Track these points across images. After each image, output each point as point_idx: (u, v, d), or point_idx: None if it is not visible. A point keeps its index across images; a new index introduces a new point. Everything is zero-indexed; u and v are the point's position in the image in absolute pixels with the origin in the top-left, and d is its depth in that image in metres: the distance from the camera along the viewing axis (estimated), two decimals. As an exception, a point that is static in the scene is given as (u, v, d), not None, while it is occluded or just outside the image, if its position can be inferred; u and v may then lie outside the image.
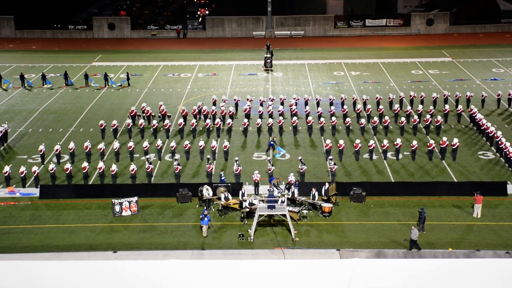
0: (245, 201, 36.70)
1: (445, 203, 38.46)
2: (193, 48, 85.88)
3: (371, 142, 45.02)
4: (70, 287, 24.10)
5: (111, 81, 65.11)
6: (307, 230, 35.19)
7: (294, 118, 50.72)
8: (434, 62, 74.49)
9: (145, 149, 44.85)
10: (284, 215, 34.57)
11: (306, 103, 54.85)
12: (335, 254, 32.64)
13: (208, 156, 43.26)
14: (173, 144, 45.37)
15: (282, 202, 35.72)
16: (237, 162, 41.18)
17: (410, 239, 32.81)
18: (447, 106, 52.65)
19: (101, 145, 45.07)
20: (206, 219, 34.13)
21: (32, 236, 34.98)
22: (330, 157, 42.71)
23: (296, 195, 37.51)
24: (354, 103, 55.10)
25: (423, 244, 33.38)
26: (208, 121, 49.87)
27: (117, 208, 37.08)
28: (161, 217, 37.05)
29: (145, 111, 52.82)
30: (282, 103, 54.48)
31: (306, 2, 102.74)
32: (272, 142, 46.48)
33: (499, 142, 45.04)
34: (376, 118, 49.81)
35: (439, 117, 49.60)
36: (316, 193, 37.52)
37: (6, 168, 41.06)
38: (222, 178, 40.03)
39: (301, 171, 40.92)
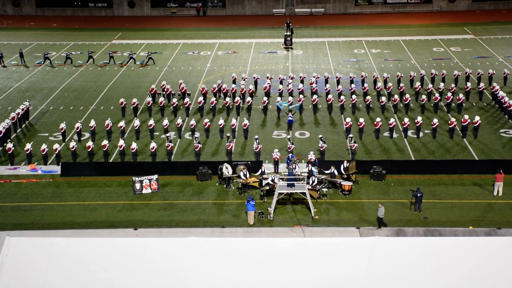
0: (266, 179, 36.75)
1: (466, 181, 38.21)
2: (213, 26, 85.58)
3: (392, 120, 44.70)
4: (91, 264, 24.36)
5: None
6: (327, 208, 35.20)
7: (314, 96, 50.46)
8: (456, 39, 73.57)
9: (165, 127, 44.92)
10: (304, 193, 34.56)
11: (326, 81, 54.55)
12: (355, 232, 32.66)
13: (228, 134, 43.28)
14: (193, 122, 45.40)
15: (313, 181, 35.77)
16: (257, 140, 41.17)
17: (377, 217, 32.93)
18: (468, 84, 52.08)
19: (122, 123, 45.29)
20: (252, 205, 33.38)
21: (54, 213, 35.39)
22: (350, 135, 42.53)
23: (314, 173, 37.44)
24: (375, 81, 54.64)
25: (444, 222, 33.29)
26: (227, 99, 49.81)
27: (138, 186, 37.33)
28: (181, 195, 37.24)
29: (165, 89, 52.88)
30: (302, 81, 54.25)
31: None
32: (290, 118, 46.33)
33: (522, 120, 44.61)
34: (396, 96, 49.44)
35: (460, 95, 49.06)
36: (335, 171, 37.45)
37: (28, 146, 41.43)
38: (291, 159, 39.95)
39: (321, 149, 40.82)
